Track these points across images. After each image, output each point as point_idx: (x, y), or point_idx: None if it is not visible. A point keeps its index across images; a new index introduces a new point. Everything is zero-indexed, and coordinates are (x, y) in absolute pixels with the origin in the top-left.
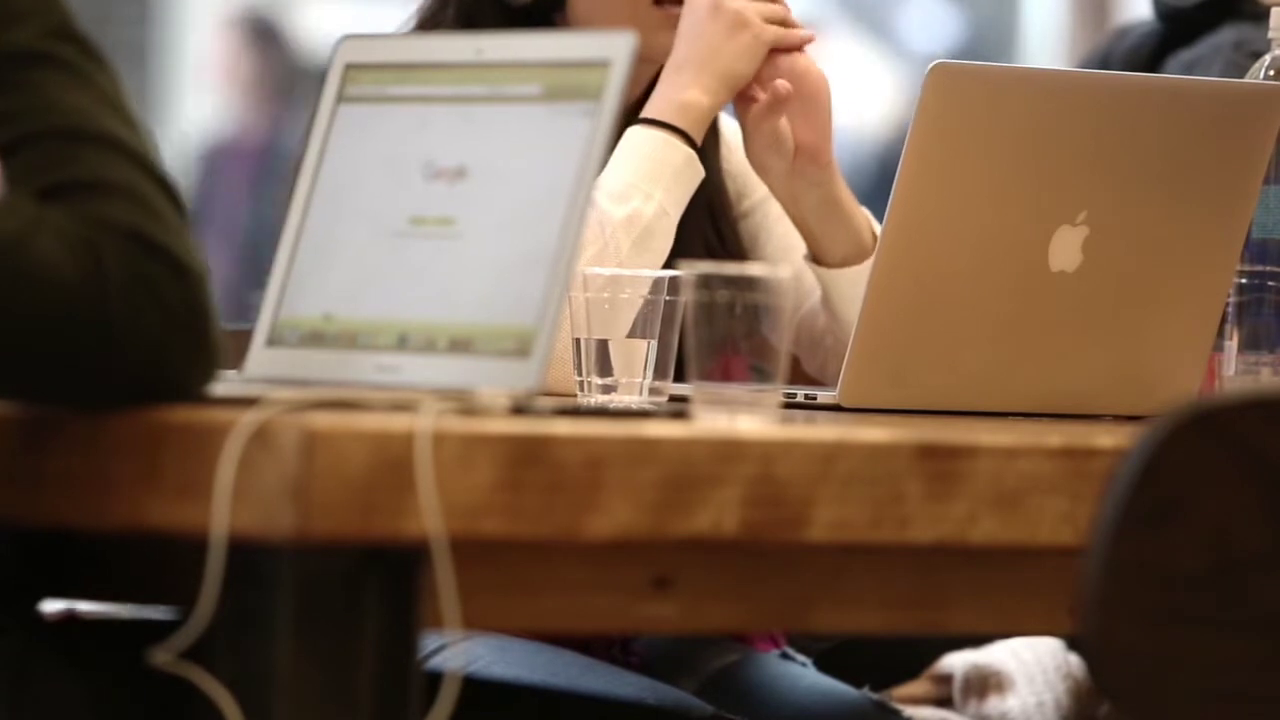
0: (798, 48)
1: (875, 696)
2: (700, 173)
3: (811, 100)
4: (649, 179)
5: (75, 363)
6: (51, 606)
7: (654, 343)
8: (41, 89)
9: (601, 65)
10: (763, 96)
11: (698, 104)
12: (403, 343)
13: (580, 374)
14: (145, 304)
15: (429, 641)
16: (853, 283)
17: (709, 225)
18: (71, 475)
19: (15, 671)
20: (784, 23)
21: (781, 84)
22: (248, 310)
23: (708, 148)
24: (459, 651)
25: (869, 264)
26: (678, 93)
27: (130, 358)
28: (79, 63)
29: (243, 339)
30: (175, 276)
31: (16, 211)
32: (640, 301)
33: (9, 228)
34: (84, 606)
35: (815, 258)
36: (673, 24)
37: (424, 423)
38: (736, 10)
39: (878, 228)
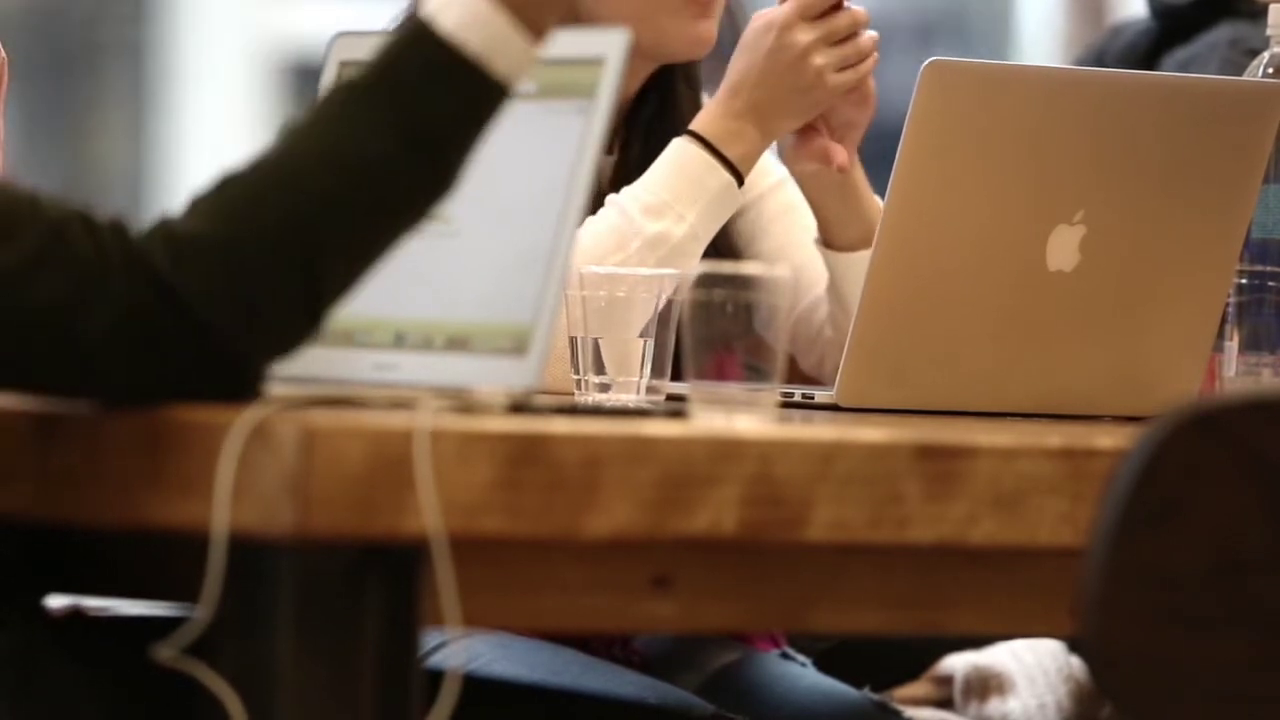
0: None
1: (875, 697)
2: (738, 201)
3: (859, 119)
4: (685, 200)
5: (59, 392)
6: (55, 602)
7: (651, 341)
8: (327, 118)
9: (595, 63)
10: (824, 130)
11: (753, 142)
12: (400, 341)
13: (577, 372)
14: (135, 348)
15: (429, 639)
16: (861, 267)
17: None
18: (73, 472)
19: (20, 667)
20: (861, 58)
21: (842, 160)
22: None
23: None
24: (459, 649)
25: None
26: (735, 119)
27: (110, 395)
28: (375, 112)
29: None
30: (185, 333)
31: (26, 234)
32: (650, 302)
33: (22, 249)
34: (88, 602)
35: (827, 241)
36: (695, 9)
37: (422, 421)
38: (818, 70)
39: None
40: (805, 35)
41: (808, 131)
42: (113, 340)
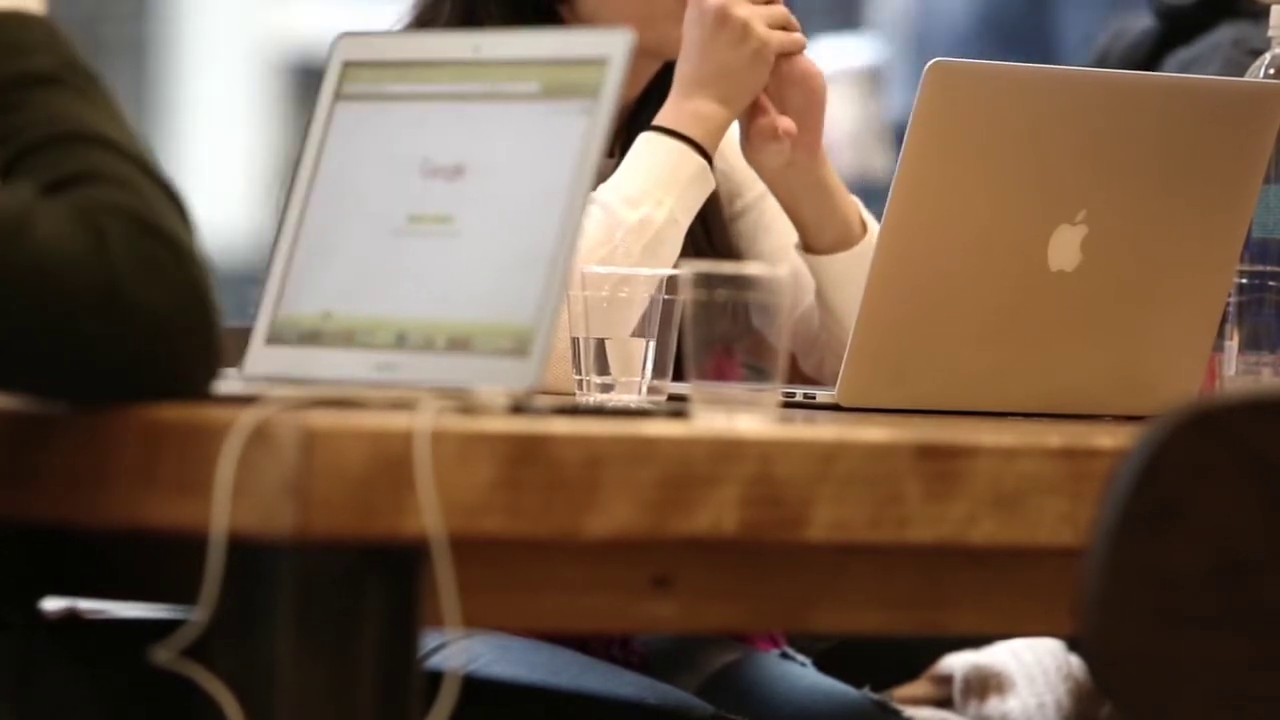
0: (799, 52)
1: (875, 697)
2: (711, 184)
3: (812, 101)
4: (661, 186)
5: (82, 340)
6: (53, 604)
7: (653, 342)
8: (48, 105)
9: (599, 63)
10: (769, 105)
11: (712, 116)
12: (401, 341)
13: (579, 373)
14: (150, 281)
15: (429, 640)
16: (842, 269)
17: (698, 224)
18: (72, 473)
19: (17, 669)
20: (786, 25)
21: (787, 125)
22: (247, 308)
23: None
24: (459, 650)
25: (857, 250)
26: (691, 103)
27: (136, 334)
28: (86, 87)
29: (242, 337)
30: (178, 259)
31: (16, 195)
32: (645, 301)
33: (10, 208)
34: (85, 604)
35: (806, 245)
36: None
37: (423, 421)
38: (743, 21)
39: (866, 214)
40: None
41: (754, 113)
42: (131, 279)
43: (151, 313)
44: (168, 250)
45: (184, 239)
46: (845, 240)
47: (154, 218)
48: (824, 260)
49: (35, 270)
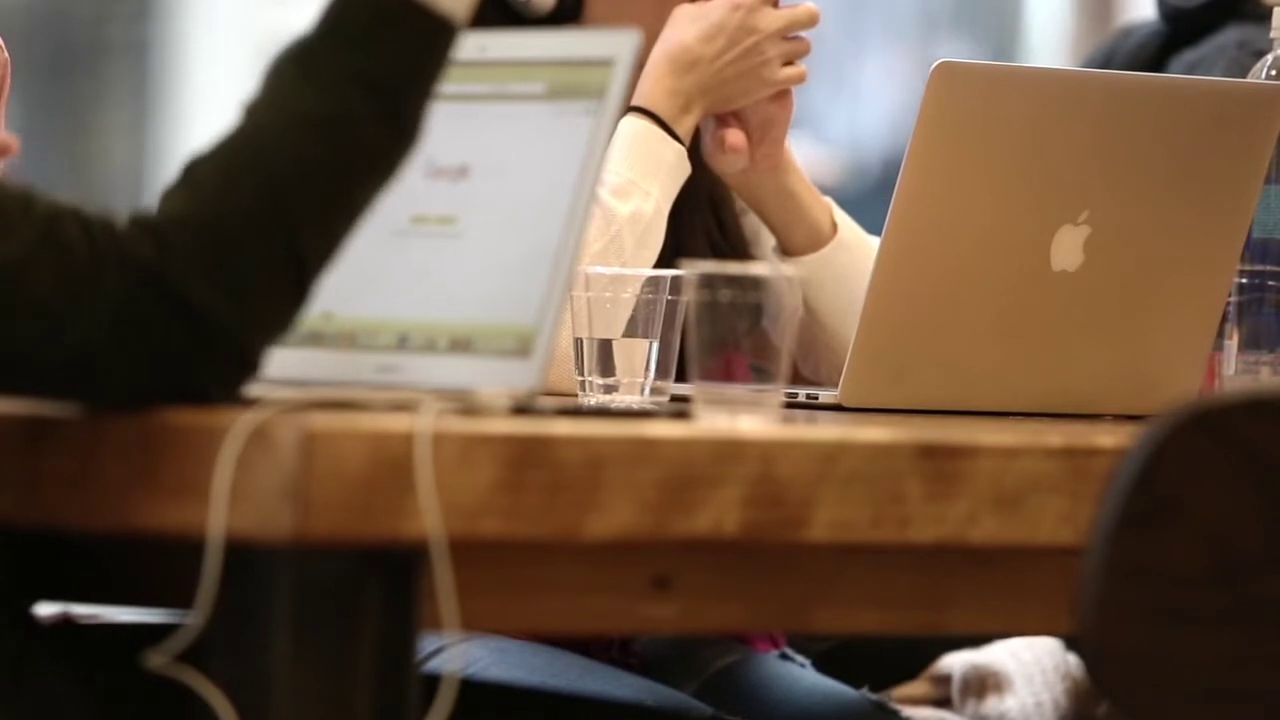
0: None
1: (874, 697)
2: (688, 169)
3: (778, 116)
4: (647, 175)
5: (57, 392)
6: (46, 609)
7: (656, 342)
8: (284, 82)
9: (605, 64)
10: (728, 118)
11: (695, 118)
12: (403, 342)
13: (582, 374)
14: (133, 344)
15: (427, 643)
16: (813, 270)
17: (711, 218)
18: (68, 476)
19: (10, 674)
20: (811, 23)
21: (734, 141)
22: None
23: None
24: (457, 654)
25: (824, 253)
26: (685, 96)
27: (111, 394)
28: (330, 68)
29: None
30: (180, 321)
31: (21, 230)
32: (633, 300)
33: (14, 248)
34: (79, 609)
35: (782, 248)
36: None
37: (424, 423)
38: (767, 60)
39: (839, 214)
40: (769, 23)
41: (716, 121)
42: (110, 339)
43: (129, 374)
44: (170, 311)
45: (204, 300)
46: (814, 243)
47: (176, 277)
48: (795, 262)
49: (17, 323)
